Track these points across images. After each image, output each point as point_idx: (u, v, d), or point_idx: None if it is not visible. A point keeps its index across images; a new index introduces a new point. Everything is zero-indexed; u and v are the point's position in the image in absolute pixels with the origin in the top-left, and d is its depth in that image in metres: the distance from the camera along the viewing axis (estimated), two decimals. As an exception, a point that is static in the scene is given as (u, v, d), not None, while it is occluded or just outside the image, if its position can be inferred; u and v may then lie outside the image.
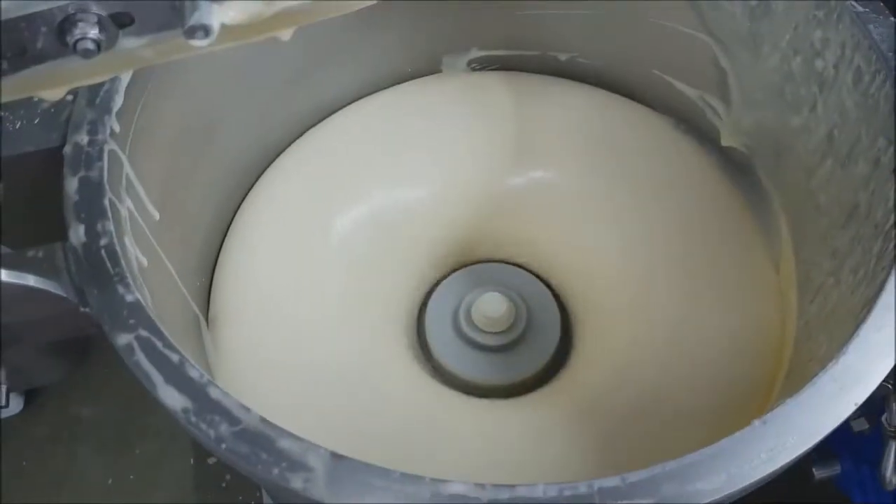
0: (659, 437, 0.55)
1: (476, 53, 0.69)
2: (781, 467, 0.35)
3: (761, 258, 0.60)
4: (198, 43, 0.34)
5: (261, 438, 0.35)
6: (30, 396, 0.81)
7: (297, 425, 0.54)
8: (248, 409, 0.35)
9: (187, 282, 0.55)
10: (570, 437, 0.55)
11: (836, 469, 0.61)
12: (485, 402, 0.60)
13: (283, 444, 0.35)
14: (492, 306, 0.63)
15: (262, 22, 0.37)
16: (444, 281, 0.67)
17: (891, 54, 0.47)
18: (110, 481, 0.79)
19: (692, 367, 0.57)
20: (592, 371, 0.60)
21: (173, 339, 0.38)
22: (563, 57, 0.69)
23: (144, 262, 0.46)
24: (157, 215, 0.50)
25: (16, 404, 0.79)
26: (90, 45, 0.34)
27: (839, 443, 0.57)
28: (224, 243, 0.61)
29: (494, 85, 0.69)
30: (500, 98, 0.68)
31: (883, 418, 0.46)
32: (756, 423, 0.35)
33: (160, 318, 0.43)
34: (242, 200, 0.63)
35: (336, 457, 0.34)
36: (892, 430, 0.46)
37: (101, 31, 0.34)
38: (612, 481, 0.34)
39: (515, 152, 0.66)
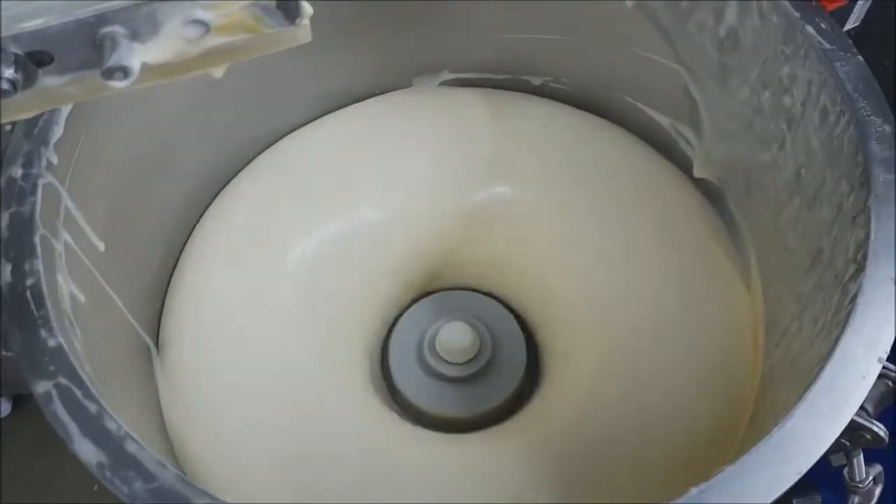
0: (628, 474, 0.53)
1: (447, 76, 0.68)
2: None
3: (734, 288, 0.58)
4: (117, 84, 0.33)
5: (176, 497, 0.33)
6: (17, 400, 0.80)
7: (245, 457, 0.53)
8: (164, 466, 0.34)
9: (137, 310, 0.53)
10: (538, 474, 0.54)
11: (816, 500, 0.60)
12: (449, 436, 0.59)
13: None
14: (456, 336, 0.62)
15: (189, 59, 0.35)
16: (409, 310, 0.66)
17: (856, 95, 0.45)
18: (96, 487, 0.77)
19: (661, 399, 0.55)
20: (559, 402, 0.58)
21: (114, 373, 0.37)
22: (535, 81, 0.68)
23: (81, 297, 0.44)
24: (101, 246, 0.48)
25: (3, 408, 0.78)
26: (5, 86, 0.32)
27: (818, 474, 0.56)
28: (176, 268, 0.59)
29: (463, 101, 0.67)
30: (468, 114, 0.66)
31: (844, 472, 0.45)
32: (693, 490, 0.34)
33: (93, 356, 0.42)
34: (196, 224, 0.61)
35: (253, 519, 0.33)
36: (854, 485, 0.45)
37: (16, 70, 0.33)
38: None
39: (482, 171, 0.64)
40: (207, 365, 0.56)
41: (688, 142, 0.62)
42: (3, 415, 0.79)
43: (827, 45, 0.47)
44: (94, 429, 0.35)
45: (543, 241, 0.63)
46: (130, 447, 0.34)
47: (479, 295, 0.66)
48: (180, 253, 0.60)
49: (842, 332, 0.38)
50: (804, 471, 0.34)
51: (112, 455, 0.34)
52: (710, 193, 0.62)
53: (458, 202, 0.64)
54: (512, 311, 0.66)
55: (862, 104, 0.45)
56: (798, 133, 0.50)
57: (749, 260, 0.58)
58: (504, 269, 0.65)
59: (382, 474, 0.54)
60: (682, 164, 0.63)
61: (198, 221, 0.61)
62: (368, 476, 0.54)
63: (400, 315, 0.66)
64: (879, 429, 0.40)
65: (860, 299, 0.39)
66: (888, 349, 0.38)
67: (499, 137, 0.65)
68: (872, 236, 0.41)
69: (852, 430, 0.40)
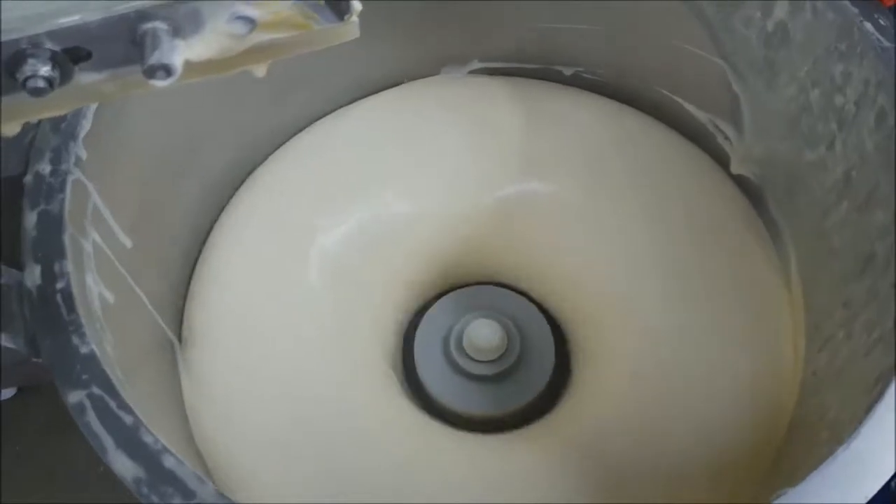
0: (659, 481, 0.52)
1: (477, 65, 0.66)
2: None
3: (773, 290, 0.56)
4: (159, 83, 0.31)
5: (216, 515, 0.32)
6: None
7: (270, 454, 0.52)
8: (203, 481, 0.32)
9: (162, 305, 0.52)
10: (566, 477, 0.52)
11: None
12: (476, 436, 0.57)
13: (240, 521, 0.32)
14: (483, 333, 0.60)
15: (232, 57, 0.34)
16: (435, 305, 0.64)
17: (917, 96, 0.43)
18: (102, 468, 0.77)
19: (696, 405, 0.53)
20: (591, 403, 0.57)
21: (138, 371, 0.35)
22: (567, 72, 0.66)
23: (110, 298, 0.43)
24: (129, 243, 0.47)
25: (4, 393, 0.77)
26: (41, 84, 0.31)
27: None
28: (199, 261, 0.58)
29: (493, 91, 0.65)
30: (500, 104, 0.64)
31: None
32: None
33: (122, 359, 0.40)
34: (220, 215, 0.60)
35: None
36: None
37: (53, 67, 0.31)
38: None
39: (514, 164, 0.62)
40: (231, 360, 0.54)
41: (727, 137, 0.60)
42: (5, 398, 0.78)
43: (886, 43, 0.45)
44: (130, 441, 0.34)
45: (576, 236, 0.61)
46: (168, 462, 0.33)
47: (508, 291, 0.65)
48: (203, 245, 0.58)
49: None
50: (871, 495, 0.33)
51: (149, 470, 0.33)
52: (749, 192, 0.60)
53: (488, 195, 0.62)
54: (541, 308, 0.64)
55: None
56: (850, 134, 0.48)
57: (790, 262, 0.56)
58: (534, 265, 0.63)
59: (411, 474, 0.53)
60: (720, 160, 0.61)
61: (222, 212, 0.59)
62: (395, 476, 0.52)
63: (426, 310, 0.64)
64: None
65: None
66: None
67: (530, 128, 0.63)
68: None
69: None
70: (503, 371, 0.61)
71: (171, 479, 0.33)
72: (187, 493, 0.32)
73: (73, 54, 0.31)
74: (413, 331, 0.63)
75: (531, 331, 0.63)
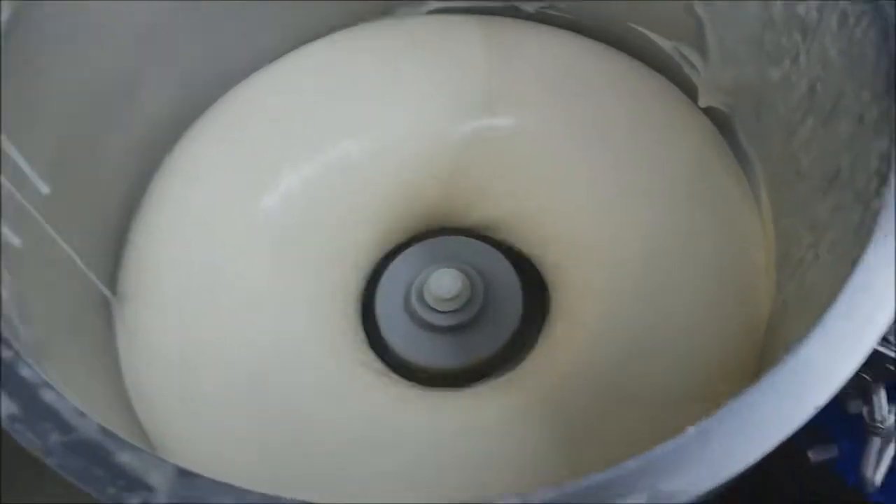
0: (634, 422, 0.49)
1: (434, 4, 0.63)
2: (719, 484, 0.29)
3: (745, 221, 0.54)
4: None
5: (97, 451, 0.29)
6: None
7: (212, 415, 0.49)
8: (83, 416, 0.30)
9: (94, 259, 0.49)
10: (535, 427, 0.50)
11: (832, 452, 0.55)
12: (439, 392, 0.55)
13: (123, 458, 0.29)
14: (444, 282, 0.57)
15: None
16: (398, 258, 0.61)
17: (878, -7, 0.40)
18: None
19: (671, 337, 0.51)
20: (563, 350, 0.53)
21: (67, 326, 0.32)
22: (529, 8, 0.62)
23: (17, 242, 0.40)
24: (45, 189, 0.44)
25: None
26: None
27: (836, 425, 0.52)
28: (138, 212, 0.55)
29: (452, 27, 0.62)
30: (459, 41, 0.60)
31: (864, 412, 0.40)
32: (690, 430, 0.29)
33: (31, 307, 0.38)
34: (161, 164, 0.56)
35: (183, 474, 0.29)
36: (874, 425, 0.40)
37: None
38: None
39: (476, 100, 0.59)
40: (172, 315, 0.52)
41: (693, 66, 0.57)
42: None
43: (843, -60, 0.42)
44: (7, 376, 0.31)
45: (545, 175, 0.58)
46: (47, 395, 0.30)
47: (473, 240, 0.62)
48: (144, 194, 0.55)
49: (862, 252, 0.33)
50: (821, 404, 0.30)
51: (26, 405, 0.30)
52: (719, 123, 0.57)
53: (456, 134, 0.59)
54: (514, 254, 0.61)
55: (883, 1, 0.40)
56: (814, 43, 0.45)
57: (760, 191, 0.53)
58: (502, 209, 0.60)
59: (364, 430, 0.50)
60: (690, 93, 0.58)
61: (163, 161, 0.56)
62: (351, 434, 0.50)
63: (388, 264, 0.61)
64: (905, 359, 0.35)
65: (883, 214, 0.34)
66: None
67: (494, 65, 0.59)
68: (898, 143, 0.36)
69: (873, 360, 0.35)
70: (466, 322, 0.58)
71: (50, 413, 0.30)
72: (66, 429, 0.29)
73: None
74: (375, 285, 0.60)
75: (497, 279, 0.60)
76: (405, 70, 0.60)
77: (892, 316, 0.32)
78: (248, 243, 0.55)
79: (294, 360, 0.52)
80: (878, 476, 0.42)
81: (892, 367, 0.35)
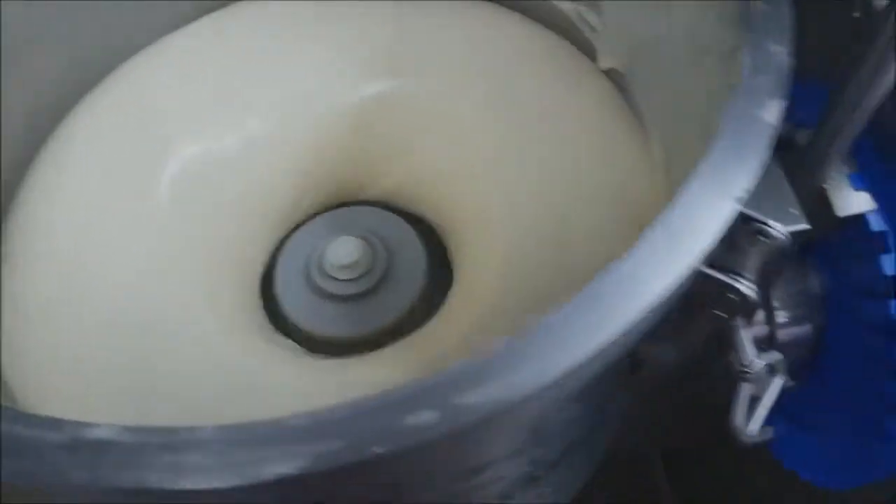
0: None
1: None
2: (516, 399, 0.27)
3: (642, 172, 0.53)
4: None
5: None
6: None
7: (88, 377, 0.48)
8: None
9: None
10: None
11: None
12: (329, 359, 0.53)
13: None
14: (343, 250, 0.57)
15: None
16: (299, 229, 0.60)
17: None
18: None
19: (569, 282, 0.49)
20: (466, 310, 0.52)
21: None
22: (434, -25, 0.62)
23: None
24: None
25: None
26: None
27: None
28: (25, 179, 0.54)
29: None
30: (357, 7, 0.60)
31: (730, 358, 0.39)
32: (496, 347, 0.28)
33: None
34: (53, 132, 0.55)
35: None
36: (741, 370, 0.39)
37: None
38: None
39: (377, 66, 0.58)
40: (56, 282, 0.50)
41: (592, 27, 0.56)
42: None
43: None
44: None
45: (447, 139, 0.57)
46: None
47: (378, 209, 0.61)
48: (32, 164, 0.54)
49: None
50: (631, 319, 0.28)
51: None
52: (619, 86, 0.57)
53: (353, 99, 0.58)
54: (425, 226, 0.60)
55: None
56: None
57: (653, 143, 0.52)
58: (407, 175, 0.60)
59: (243, 393, 0.48)
60: (592, 55, 0.58)
61: (55, 129, 0.56)
62: (224, 394, 0.48)
63: (287, 237, 0.60)
64: (747, 286, 0.34)
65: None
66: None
67: (392, 30, 0.59)
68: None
69: (717, 292, 0.34)
70: (367, 290, 0.57)
71: None
72: None
73: None
74: (276, 256, 0.60)
75: (399, 246, 0.59)
76: (308, 37, 0.59)
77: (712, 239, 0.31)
78: (142, 215, 0.54)
79: (183, 331, 0.51)
80: (755, 425, 0.41)
81: (735, 299, 0.34)
